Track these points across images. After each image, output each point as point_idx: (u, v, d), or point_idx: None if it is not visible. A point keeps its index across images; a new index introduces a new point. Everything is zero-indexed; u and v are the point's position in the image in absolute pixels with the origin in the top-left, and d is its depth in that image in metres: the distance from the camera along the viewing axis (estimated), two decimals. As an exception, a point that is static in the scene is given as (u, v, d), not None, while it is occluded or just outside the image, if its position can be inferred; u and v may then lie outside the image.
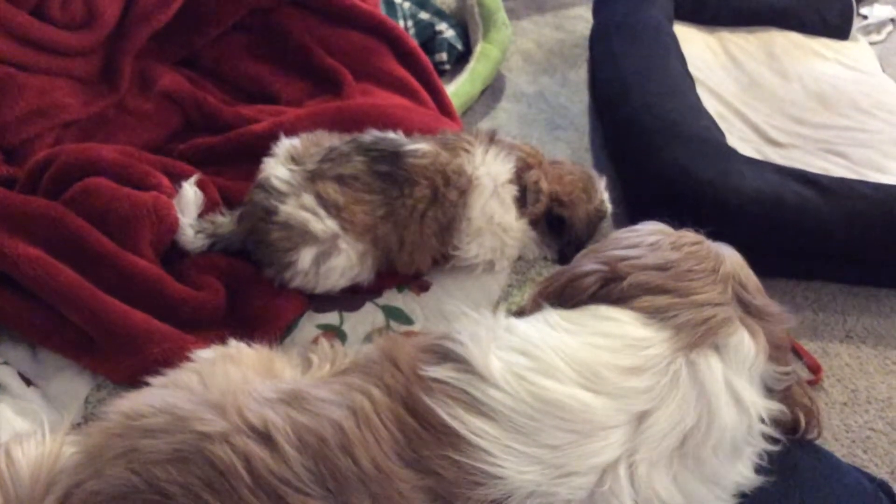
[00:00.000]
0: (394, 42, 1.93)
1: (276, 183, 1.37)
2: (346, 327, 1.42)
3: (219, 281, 1.41)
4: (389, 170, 1.38)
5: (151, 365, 1.23)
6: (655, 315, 0.93)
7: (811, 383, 1.55)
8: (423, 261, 1.46)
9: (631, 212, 1.94)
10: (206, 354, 1.09)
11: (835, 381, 1.59)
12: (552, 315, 0.96)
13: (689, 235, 1.05)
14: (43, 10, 1.59)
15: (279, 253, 1.36)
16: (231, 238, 1.44)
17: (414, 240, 1.41)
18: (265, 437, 0.81)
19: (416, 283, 1.51)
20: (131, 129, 1.67)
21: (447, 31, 2.34)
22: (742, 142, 2.12)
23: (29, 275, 1.27)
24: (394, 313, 1.45)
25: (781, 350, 1.00)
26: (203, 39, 1.84)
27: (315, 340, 1.38)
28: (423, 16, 2.37)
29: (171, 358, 1.24)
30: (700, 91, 2.18)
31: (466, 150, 1.44)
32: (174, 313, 1.32)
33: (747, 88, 2.42)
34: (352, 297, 1.46)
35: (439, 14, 2.39)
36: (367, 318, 1.44)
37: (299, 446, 0.80)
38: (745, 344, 0.94)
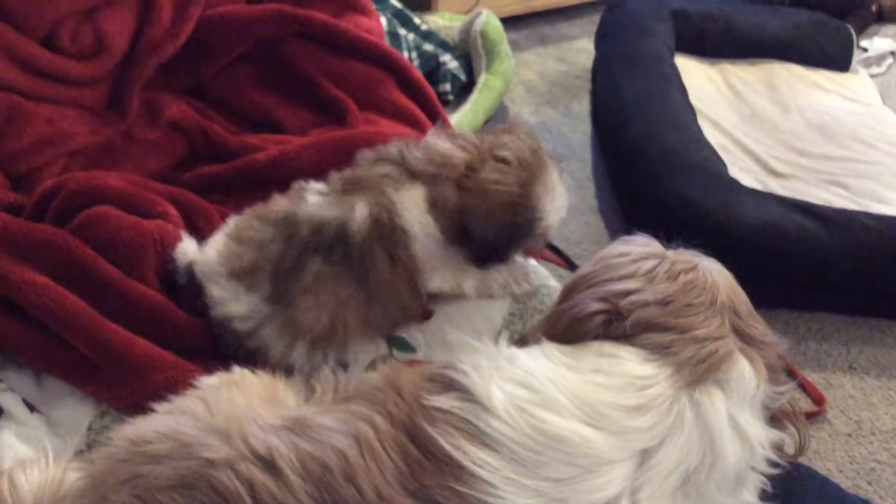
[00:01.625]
0: (398, 73, 1.94)
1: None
2: (348, 355, 1.42)
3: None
4: (344, 252, 1.26)
5: (155, 392, 1.23)
6: (657, 352, 0.93)
7: (814, 415, 1.55)
8: (400, 318, 1.39)
9: (633, 242, 1.95)
10: (210, 381, 1.09)
11: (839, 413, 1.58)
12: (551, 349, 0.96)
13: (681, 260, 1.04)
14: (53, 40, 1.60)
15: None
16: None
17: (398, 306, 1.34)
18: (269, 464, 0.81)
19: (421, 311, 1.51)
20: (138, 157, 1.68)
21: (451, 63, 2.37)
22: (743, 172, 2.13)
23: (34, 302, 1.27)
24: (397, 342, 1.45)
25: (777, 371, 1.00)
26: (210, 69, 1.86)
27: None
28: (428, 47, 2.39)
29: (175, 386, 1.24)
30: (701, 122, 2.20)
31: (385, 193, 1.30)
32: (178, 341, 1.32)
33: (748, 119, 2.44)
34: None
35: (443, 45, 2.42)
36: (370, 345, 1.44)
37: (303, 474, 0.80)
38: (747, 376, 0.93)
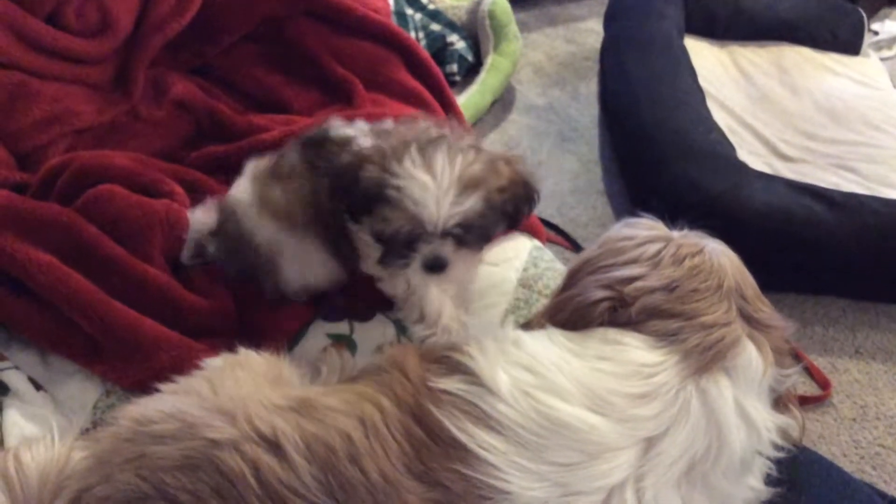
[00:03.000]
0: (405, 53, 1.93)
1: (238, 206, 1.35)
2: (356, 337, 1.42)
3: (227, 290, 1.41)
4: (314, 154, 1.30)
5: (160, 372, 1.23)
6: (664, 339, 0.92)
7: (820, 399, 1.55)
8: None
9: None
10: (215, 363, 1.08)
11: (844, 397, 1.58)
12: (557, 335, 0.96)
13: (687, 243, 1.02)
14: (58, 17, 1.60)
15: (262, 272, 1.35)
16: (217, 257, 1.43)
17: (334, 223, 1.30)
18: (274, 445, 0.81)
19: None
20: (144, 136, 1.68)
21: (458, 43, 2.36)
22: (752, 156, 2.12)
23: (40, 281, 1.27)
24: (404, 327, 1.45)
25: (783, 354, 0.99)
26: (216, 48, 1.85)
27: (324, 350, 1.38)
28: (435, 27, 2.38)
29: (181, 365, 1.24)
30: (710, 105, 2.19)
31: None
32: (183, 321, 1.32)
33: (758, 103, 2.42)
34: (363, 307, 1.46)
35: (451, 26, 2.40)
36: (378, 329, 1.43)
37: (308, 455, 0.80)
38: (754, 361, 0.93)
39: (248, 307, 1.42)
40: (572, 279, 1.08)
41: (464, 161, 1.14)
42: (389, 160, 1.14)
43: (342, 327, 1.43)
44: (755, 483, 0.92)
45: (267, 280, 1.37)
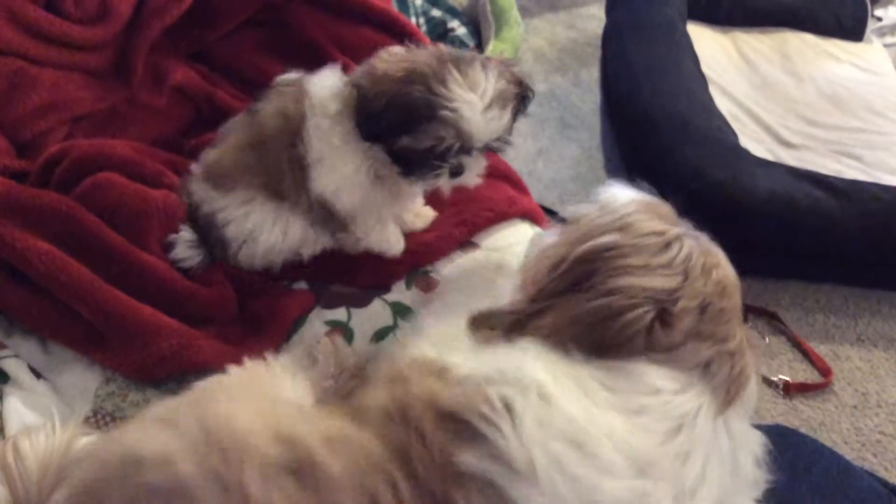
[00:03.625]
0: (406, 39, 1.92)
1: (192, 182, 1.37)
2: (353, 324, 1.41)
3: (226, 278, 1.41)
4: (256, 106, 1.34)
5: (160, 359, 1.23)
6: (696, 371, 0.85)
7: (821, 386, 1.55)
8: (298, 189, 1.33)
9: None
10: (204, 385, 0.99)
11: (845, 385, 1.58)
12: (588, 381, 0.83)
13: (708, 250, 0.94)
14: (56, 4, 1.59)
15: (221, 239, 1.36)
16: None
17: (275, 161, 1.31)
18: None
19: (424, 280, 1.50)
20: (143, 123, 1.67)
21: (459, 29, 2.34)
22: (754, 143, 2.11)
23: (39, 269, 1.27)
24: (402, 310, 1.45)
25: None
26: (215, 34, 1.84)
27: (319, 341, 1.38)
28: (436, 13, 2.36)
29: (180, 352, 1.24)
30: (713, 91, 2.18)
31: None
32: (182, 309, 1.32)
33: (760, 89, 2.41)
34: (360, 294, 1.46)
35: (451, 11, 2.39)
36: (375, 314, 1.43)
37: None
38: (755, 388, 0.90)
39: (248, 295, 1.42)
40: (581, 271, 0.92)
41: (496, 77, 1.20)
42: (432, 80, 1.17)
43: (340, 314, 1.43)
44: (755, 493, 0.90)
45: (236, 253, 1.37)
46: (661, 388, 0.83)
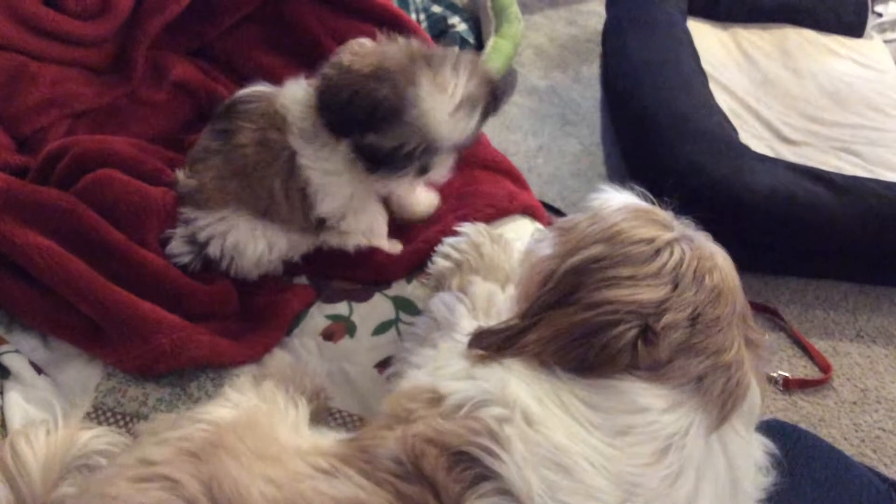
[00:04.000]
0: (406, 35, 1.92)
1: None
2: (354, 318, 1.42)
3: (225, 276, 1.41)
4: (225, 125, 1.33)
5: (160, 355, 1.24)
6: (686, 388, 0.82)
7: (821, 382, 1.55)
8: (292, 213, 1.35)
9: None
10: (199, 433, 0.90)
11: (845, 381, 1.58)
12: (572, 401, 0.81)
13: (700, 249, 0.90)
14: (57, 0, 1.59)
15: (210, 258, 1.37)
16: None
17: (268, 190, 1.32)
18: None
19: (424, 273, 1.50)
20: (143, 118, 1.67)
21: (459, 25, 2.34)
22: (755, 139, 2.11)
23: (40, 265, 1.27)
24: (403, 304, 1.45)
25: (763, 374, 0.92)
26: (216, 30, 1.84)
27: (323, 334, 1.38)
28: (436, 9, 2.36)
29: (180, 348, 1.24)
30: (713, 87, 2.18)
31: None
32: (183, 305, 1.32)
33: (760, 85, 2.41)
34: (361, 288, 1.46)
35: (452, 8, 2.39)
36: (377, 308, 1.44)
37: None
38: (757, 399, 0.87)
39: (248, 291, 1.42)
40: (570, 284, 0.90)
41: (466, 77, 1.17)
42: (400, 79, 1.15)
43: (341, 308, 1.43)
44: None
45: (228, 266, 1.38)
46: (648, 406, 0.81)
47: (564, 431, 0.78)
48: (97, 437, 1.06)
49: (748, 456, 0.85)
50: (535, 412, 0.79)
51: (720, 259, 0.91)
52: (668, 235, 0.89)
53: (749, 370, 0.86)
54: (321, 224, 1.36)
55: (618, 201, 0.98)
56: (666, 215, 0.95)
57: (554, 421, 0.79)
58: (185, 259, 1.38)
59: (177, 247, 1.38)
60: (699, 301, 0.85)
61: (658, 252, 0.88)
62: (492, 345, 0.92)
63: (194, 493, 0.78)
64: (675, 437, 0.79)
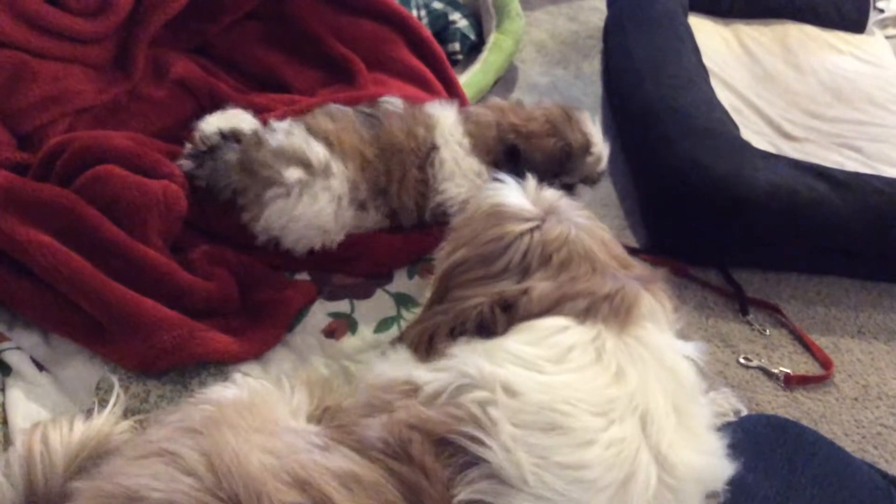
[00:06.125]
0: (407, 32, 1.92)
1: (258, 123, 1.49)
2: (356, 315, 1.42)
3: (228, 270, 1.41)
4: (370, 111, 1.49)
5: (162, 352, 1.24)
6: (580, 316, 0.92)
7: (822, 378, 1.55)
8: (409, 197, 1.48)
9: (643, 205, 1.93)
10: (199, 413, 0.92)
11: (846, 377, 1.58)
12: (523, 347, 0.89)
13: (551, 234, 1.02)
14: (57, -4, 1.59)
15: (267, 170, 1.38)
16: (216, 163, 1.45)
17: (399, 170, 1.46)
18: None
19: (426, 266, 1.51)
20: (144, 116, 1.67)
21: (460, 21, 2.34)
22: (756, 135, 2.11)
23: (40, 262, 1.27)
24: (404, 300, 1.45)
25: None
26: (217, 27, 1.84)
27: (324, 331, 1.38)
28: (437, 5, 2.36)
29: (182, 345, 1.25)
30: (714, 83, 2.17)
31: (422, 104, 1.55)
32: (184, 301, 1.32)
33: (762, 81, 2.41)
34: (363, 285, 1.46)
35: (452, 4, 2.38)
36: (378, 305, 1.44)
37: None
38: (652, 302, 0.96)
39: (250, 287, 1.42)
40: (443, 287, 1.07)
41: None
42: (570, 132, 1.52)
43: (343, 305, 1.43)
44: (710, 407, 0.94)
45: (253, 189, 1.40)
46: (562, 325, 0.91)
47: (535, 386, 0.83)
48: (125, 433, 1.07)
49: (670, 347, 0.92)
50: (513, 381, 0.84)
51: (572, 233, 1.02)
52: (518, 229, 1.02)
53: (635, 290, 0.95)
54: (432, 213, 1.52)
55: (486, 201, 1.10)
56: (524, 208, 1.06)
57: (524, 380, 0.84)
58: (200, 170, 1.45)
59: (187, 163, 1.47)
60: (549, 275, 0.98)
61: (507, 248, 1.02)
62: (410, 337, 1.06)
63: (193, 464, 0.79)
64: (596, 341, 0.88)
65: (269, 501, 0.75)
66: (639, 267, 1.05)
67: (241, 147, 1.42)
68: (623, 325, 0.91)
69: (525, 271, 1.00)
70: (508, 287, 0.99)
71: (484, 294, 0.99)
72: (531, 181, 1.13)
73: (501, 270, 1.02)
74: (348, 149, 1.41)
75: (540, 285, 0.96)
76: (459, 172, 1.48)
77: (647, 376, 0.87)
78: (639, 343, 0.90)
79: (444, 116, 1.51)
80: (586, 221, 1.06)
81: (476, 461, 0.79)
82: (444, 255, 1.11)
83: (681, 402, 0.87)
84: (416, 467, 0.80)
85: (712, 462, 0.86)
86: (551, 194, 1.11)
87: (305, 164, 1.37)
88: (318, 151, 1.38)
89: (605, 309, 0.92)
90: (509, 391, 0.82)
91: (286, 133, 1.41)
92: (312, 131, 1.41)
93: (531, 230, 1.03)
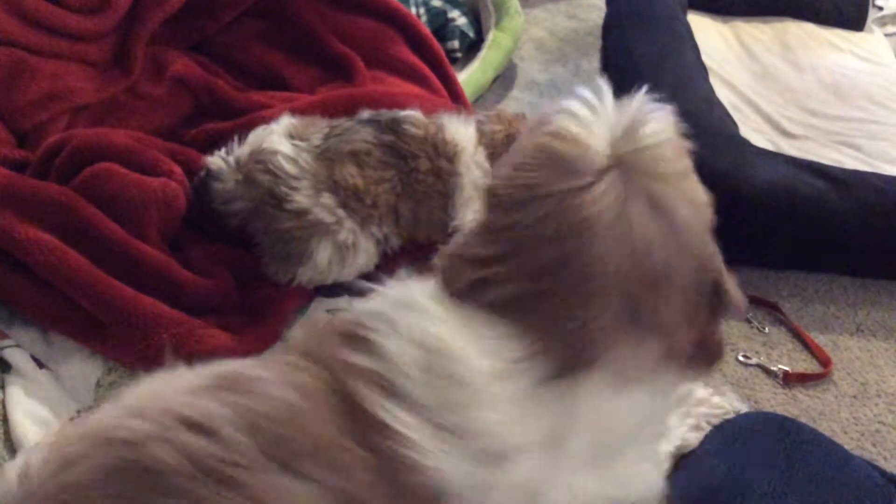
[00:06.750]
0: (406, 29, 1.92)
1: (283, 164, 1.34)
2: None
3: (227, 269, 1.41)
4: (393, 140, 1.39)
5: (161, 350, 1.24)
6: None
7: (820, 376, 1.55)
8: (431, 233, 1.47)
9: (642, 202, 1.93)
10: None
11: (845, 374, 1.58)
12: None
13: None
14: (57, -6, 1.59)
15: (292, 243, 1.36)
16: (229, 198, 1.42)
17: (426, 214, 1.44)
18: (202, 426, 0.74)
19: (424, 266, 1.51)
20: (143, 113, 1.67)
21: (459, 19, 2.34)
22: (755, 133, 2.11)
23: (39, 259, 1.27)
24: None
25: None
26: (216, 25, 1.84)
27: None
28: (436, 3, 2.35)
29: (181, 343, 1.25)
30: (713, 81, 2.17)
31: (441, 120, 1.48)
32: (183, 299, 1.32)
33: (761, 79, 2.40)
34: (360, 283, 1.46)
35: (451, 1, 2.38)
36: (376, 304, 1.44)
37: (245, 427, 0.74)
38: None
39: (249, 285, 1.42)
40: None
41: None
42: None
43: (341, 303, 1.43)
44: None
45: (281, 259, 1.39)
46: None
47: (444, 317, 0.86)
48: None
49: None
50: (424, 304, 0.88)
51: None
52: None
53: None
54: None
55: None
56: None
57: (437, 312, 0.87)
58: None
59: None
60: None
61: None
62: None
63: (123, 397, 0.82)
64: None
65: (170, 391, 0.80)
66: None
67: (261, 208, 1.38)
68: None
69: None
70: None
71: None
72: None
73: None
74: (382, 205, 1.39)
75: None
76: (476, 196, 1.44)
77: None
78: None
79: (467, 141, 1.46)
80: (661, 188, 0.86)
81: (371, 346, 0.81)
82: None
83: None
84: (319, 341, 0.85)
85: None
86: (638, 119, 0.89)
87: (336, 244, 1.37)
88: (346, 226, 1.37)
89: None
90: (415, 308, 0.87)
91: (309, 193, 1.35)
92: (340, 189, 1.36)
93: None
